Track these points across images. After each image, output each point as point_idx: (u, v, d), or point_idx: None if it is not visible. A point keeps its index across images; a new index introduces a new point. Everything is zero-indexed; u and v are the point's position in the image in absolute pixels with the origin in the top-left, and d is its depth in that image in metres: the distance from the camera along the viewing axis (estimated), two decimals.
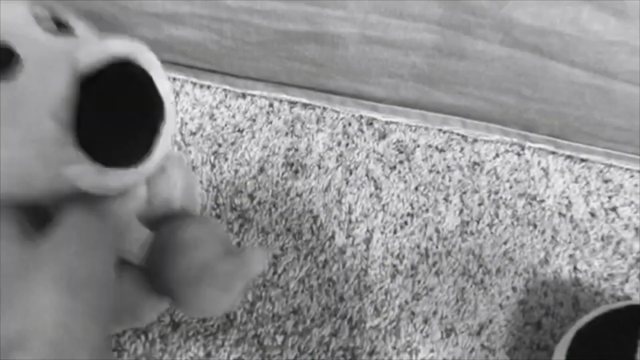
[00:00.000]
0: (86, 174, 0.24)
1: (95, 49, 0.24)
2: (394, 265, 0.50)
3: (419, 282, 0.49)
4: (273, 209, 0.51)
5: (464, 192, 0.54)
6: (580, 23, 0.43)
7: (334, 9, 0.46)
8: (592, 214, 0.53)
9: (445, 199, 0.53)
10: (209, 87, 0.56)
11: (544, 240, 0.52)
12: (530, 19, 0.44)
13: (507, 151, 0.57)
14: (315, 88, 0.56)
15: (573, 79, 0.48)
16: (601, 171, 0.56)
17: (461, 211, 0.53)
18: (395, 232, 0.51)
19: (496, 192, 0.54)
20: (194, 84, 0.55)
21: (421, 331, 0.47)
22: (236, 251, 0.31)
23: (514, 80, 0.49)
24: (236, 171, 0.52)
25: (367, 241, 0.51)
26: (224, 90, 0.56)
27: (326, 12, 0.46)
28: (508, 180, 0.55)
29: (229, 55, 0.52)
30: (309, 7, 0.46)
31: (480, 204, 0.53)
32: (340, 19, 0.47)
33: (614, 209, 0.54)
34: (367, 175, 0.54)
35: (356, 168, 0.54)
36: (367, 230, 0.51)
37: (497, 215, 0.53)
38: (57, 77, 0.23)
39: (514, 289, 0.49)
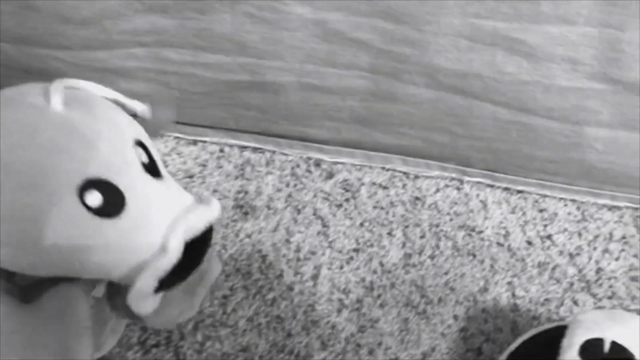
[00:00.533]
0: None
1: (206, 215, 0.31)
2: (340, 300, 0.52)
3: (364, 314, 0.51)
4: (223, 251, 0.53)
5: (407, 226, 0.57)
6: (496, 66, 0.47)
7: (272, 60, 0.49)
8: (529, 242, 0.56)
9: (389, 234, 0.56)
10: (161, 135, 0.59)
11: (483, 269, 0.54)
12: (451, 64, 0.47)
13: (447, 186, 0.60)
14: (264, 132, 0.59)
15: (498, 117, 0.51)
16: (536, 201, 0.60)
17: (404, 244, 0.55)
18: (341, 267, 0.54)
19: (437, 225, 0.57)
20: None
21: None
22: None
23: (444, 120, 0.52)
24: None
25: (315, 277, 0.53)
26: (176, 137, 0.59)
27: (264, 63, 0.49)
28: (448, 213, 0.58)
29: (177, 105, 0.55)
30: (248, 59, 0.49)
31: (422, 237, 0.56)
32: (278, 69, 0.50)
33: (549, 237, 0.57)
34: (314, 214, 0.57)
35: (304, 207, 0.57)
36: (315, 267, 0.54)
37: (438, 247, 0.55)
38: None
39: (455, 317, 0.51)
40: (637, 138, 0.51)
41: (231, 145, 0.59)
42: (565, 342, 0.39)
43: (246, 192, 0.56)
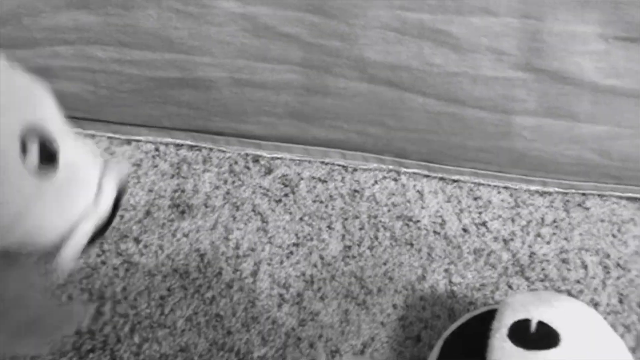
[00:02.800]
0: None
1: (125, 167, 0.31)
2: (281, 295, 0.52)
3: (305, 308, 0.51)
4: (159, 251, 0.52)
5: (346, 219, 0.57)
6: (424, 58, 0.48)
7: (201, 55, 0.48)
8: (465, 230, 0.58)
9: (329, 227, 0.56)
10: (93, 136, 0.57)
11: (421, 258, 0.55)
12: (380, 56, 0.48)
13: (384, 177, 0.61)
14: (200, 130, 0.58)
15: (428, 108, 0.52)
16: (471, 190, 0.61)
17: (343, 237, 0.56)
18: (281, 262, 0.54)
19: (375, 216, 0.57)
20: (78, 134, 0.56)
21: (307, 355, 0.48)
22: (58, 300, 0.32)
23: (377, 112, 0.53)
24: (122, 217, 0.53)
25: (254, 274, 0.53)
26: (109, 137, 0.57)
27: (193, 59, 0.49)
28: (386, 204, 0.58)
29: (107, 104, 0.53)
30: (176, 55, 0.48)
31: (360, 229, 0.56)
32: (208, 64, 0.49)
33: (484, 224, 0.59)
34: (253, 210, 0.57)
35: (243, 204, 0.56)
36: (254, 263, 0.53)
37: (376, 237, 0.56)
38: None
39: (394, 306, 0.52)
40: (561, 125, 0.53)
41: (166, 144, 0.58)
42: (495, 324, 0.40)
43: (183, 191, 0.56)
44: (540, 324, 0.39)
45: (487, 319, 0.42)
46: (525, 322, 0.40)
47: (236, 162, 0.59)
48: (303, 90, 0.52)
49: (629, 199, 0.62)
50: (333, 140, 0.58)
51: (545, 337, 0.39)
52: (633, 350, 0.51)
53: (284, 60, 0.49)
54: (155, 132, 0.57)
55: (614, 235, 0.59)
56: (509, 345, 0.38)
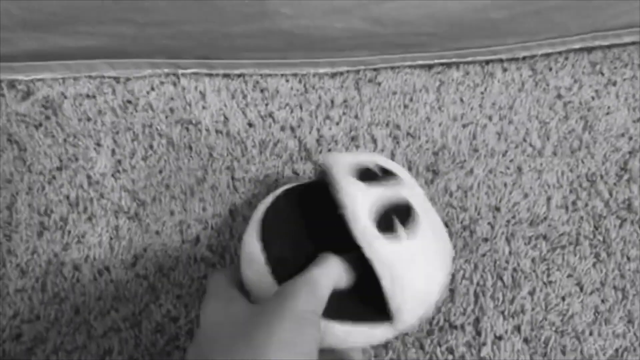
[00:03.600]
0: None
1: None
2: (42, 223, 0.47)
3: (69, 232, 0.47)
4: None
5: (117, 133, 0.53)
6: None
7: None
8: (250, 124, 0.55)
9: (97, 144, 0.52)
10: None
11: (201, 160, 0.52)
12: None
13: (162, 83, 0.56)
14: None
15: None
16: (257, 82, 0.58)
17: (113, 152, 0.52)
18: (43, 189, 0.49)
19: (150, 125, 0.53)
20: None
21: (71, 279, 0.45)
22: None
23: (116, 7, 0.48)
24: None
25: (11, 206, 0.48)
26: None
27: None
28: (163, 111, 0.54)
29: None
30: None
31: (133, 140, 0.52)
32: None
33: (270, 115, 0.56)
34: (9, 140, 0.51)
35: None
36: (12, 195, 0.48)
37: (151, 147, 0.52)
38: None
39: (171, 212, 0.49)
40: None
41: None
42: (334, 172, 0.36)
43: None
44: (377, 166, 0.37)
45: (313, 183, 0.39)
46: (364, 168, 0.37)
47: None
48: None
49: (421, 67, 0.60)
50: (87, 48, 0.52)
51: (387, 173, 0.37)
52: None
53: None
54: None
55: (405, 106, 0.57)
56: (359, 182, 0.34)
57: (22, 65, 0.54)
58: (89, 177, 0.50)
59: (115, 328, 0.43)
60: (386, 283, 0.31)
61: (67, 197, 0.49)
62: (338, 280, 0.31)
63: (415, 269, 0.32)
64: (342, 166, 0.36)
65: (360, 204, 0.32)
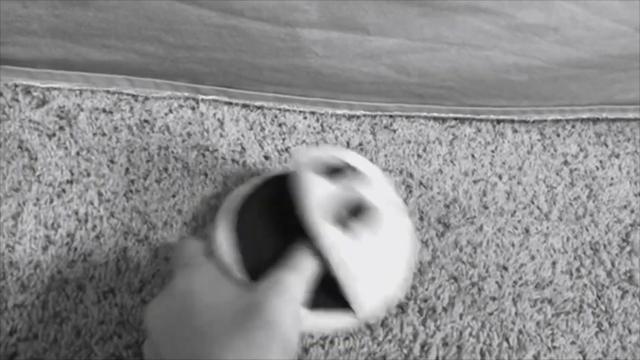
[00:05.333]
0: None
1: None
2: (47, 237, 0.46)
3: (76, 249, 0.45)
4: None
5: (132, 151, 0.52)
6: None
7: None
8: (266, 157, 0.55)
9: (111, 161, 0.51)
10: None
11: (216, 187, 0.51)
12: None
13: (180, 106, 0.56)
14: None
15: (205, 21, 0.47)
16: (276, 116, 0.58)
17: (127, 171, 0.50)
18: (51, 201, 0.47)
19: (167, 148, 0.53)
20: None
21: (74, 298, 0.43)
22: None
23: (150, 27, 0.48)
24: None
25: (17, 216, 0.46)
26: None
27: None
28: (181, 135, 0.54)
29: None
30: None
31: (148, 161, 0.51)
32: None
33: (286, 150, 0.55)
34: (20, 147, 0.49)
35: (6, 140, 0.49)
36: (19, 205, 0.47)
37: (166, 170, 0.51)
38: None
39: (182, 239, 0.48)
40: (351, 39, 0.51)
41: None
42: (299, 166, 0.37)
43: None
44: (346, 162, 0.38)
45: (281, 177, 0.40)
46: (332, 164, 0.37)
47: (1, 94, 0.51)
48: (56, 1, 0.45)
49: (435, 119, 0.61)
50: (111, 62, 0.51)
51: (354, 170, 0.37)
52: (429, 263, 0.50)
53: None
54: None
55: (418, 155, 0.58)
56: (319, 177, 0.35)
57: (40, 72, 0.53)
58: (100, 193, 0.49)
59: (117, 355, 0.41)
60: (340, 275, 0.32)
61: (76, 213, 0.47)
62: (311, 277, 0.32)
63: (369, 262, 0.33)
64: (309, 160, 0.37)
65: (315, 198, 0.33)
